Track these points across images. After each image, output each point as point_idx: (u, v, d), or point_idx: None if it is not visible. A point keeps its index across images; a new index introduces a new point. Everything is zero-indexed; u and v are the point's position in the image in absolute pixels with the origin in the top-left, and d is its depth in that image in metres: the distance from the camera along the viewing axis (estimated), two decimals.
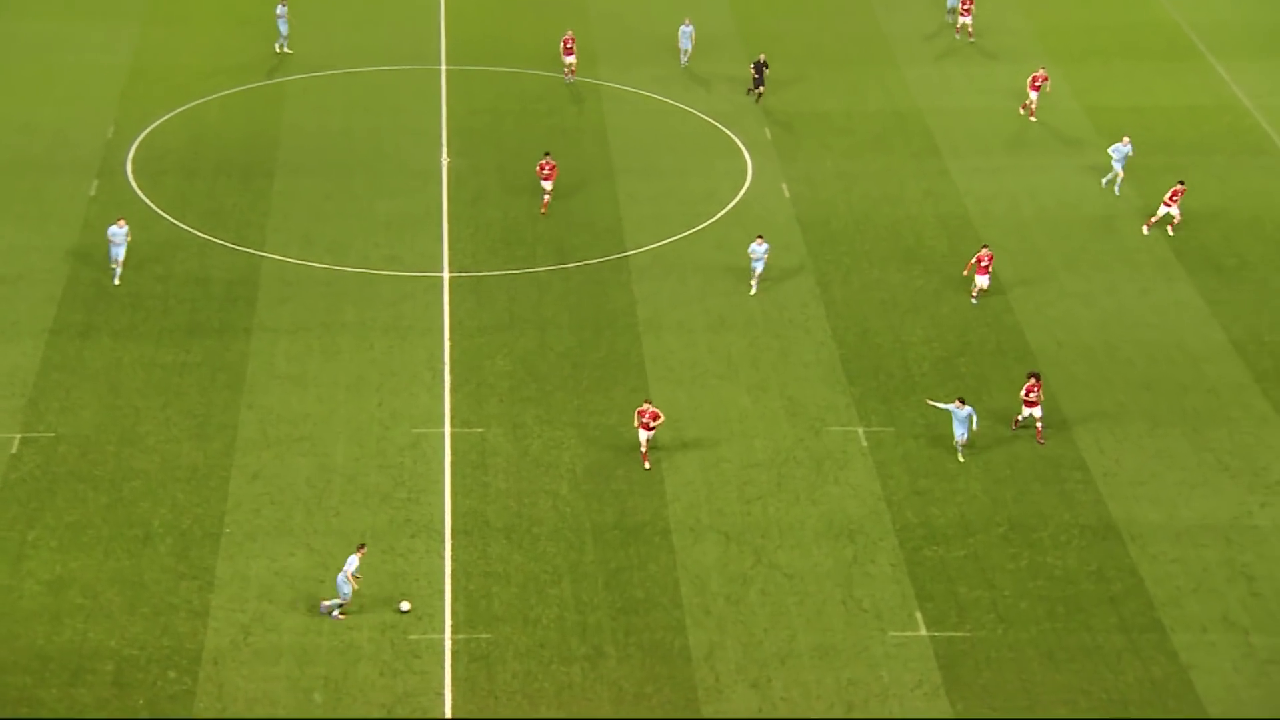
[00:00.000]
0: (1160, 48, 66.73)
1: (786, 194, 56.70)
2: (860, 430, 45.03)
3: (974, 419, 43.26)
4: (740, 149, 59.56)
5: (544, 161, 54.95)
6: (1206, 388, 46.65)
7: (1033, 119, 60.37)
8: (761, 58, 61.59)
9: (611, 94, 63.27)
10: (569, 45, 62.96)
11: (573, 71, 63.08)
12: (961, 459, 43.26)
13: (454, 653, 37.87)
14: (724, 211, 55.74)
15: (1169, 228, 53.38)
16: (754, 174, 57.98)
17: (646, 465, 43.11)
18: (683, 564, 40.44)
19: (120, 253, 50.32)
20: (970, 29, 66.58)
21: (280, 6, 64.99)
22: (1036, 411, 43.87)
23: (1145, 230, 53.29)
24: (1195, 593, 39.48)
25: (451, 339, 48.79)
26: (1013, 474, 43.30)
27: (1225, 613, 38.91)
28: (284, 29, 65.04)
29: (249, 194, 56.24)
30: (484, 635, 38.29)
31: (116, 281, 50.03)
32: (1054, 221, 54.85)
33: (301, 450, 44.04)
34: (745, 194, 56.76)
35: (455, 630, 38.46)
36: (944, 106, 62.20)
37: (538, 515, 42.04)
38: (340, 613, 38.61)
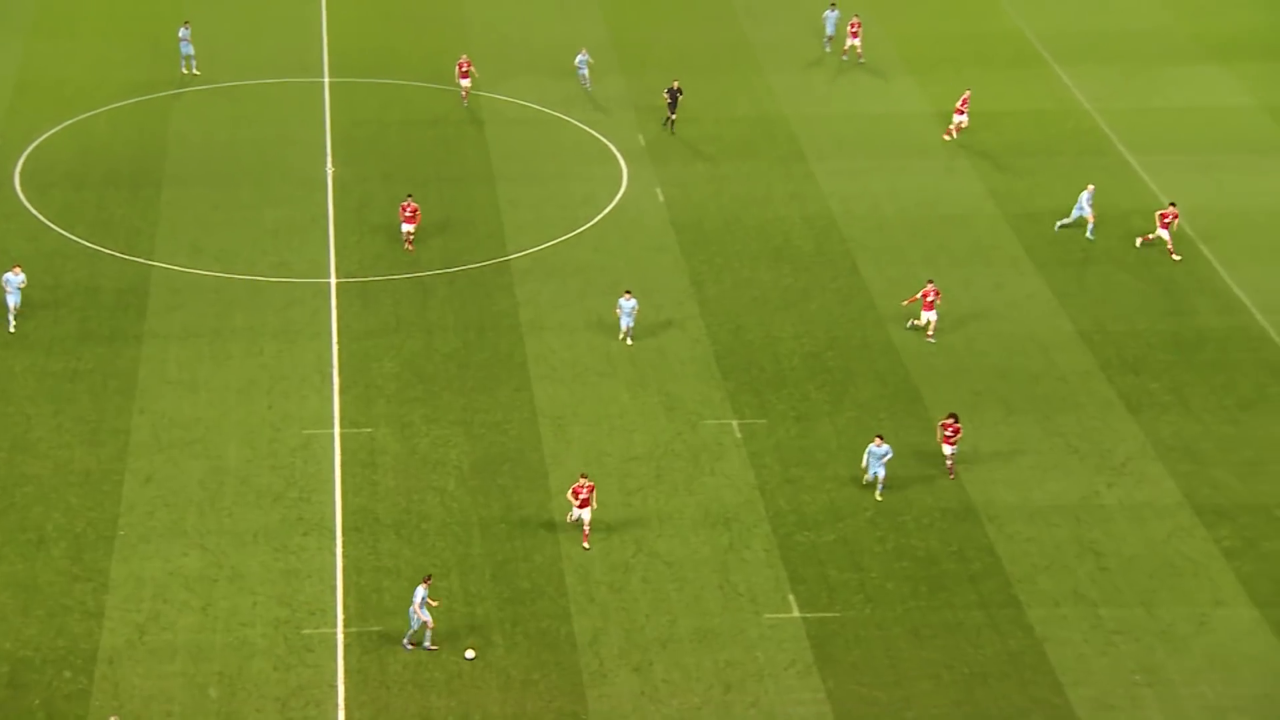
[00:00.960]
0: (1008, 56, 67.78)
1: (660, 197, 56.87)
2: (734, 423, 45.28)
3: (889, 456, 41.86)
4: (615, 155, 59.65)
5: (405, 204, 52.72)
6: (1056, 376, 47.48)
7: (955, 135, 59.77)
8: (675, 84, 60.50)
9: (490, 103, 63.06)
10: (464, 69, 62.37)
11: (468, 94, 62.33)
12: (879, 498, 42.15)
13: (346, 646, 37.55)
14: (601, 215, 55.79)
15: (1169, 251, 52.44)
16: (629, 179, 58.09)
17: (586, 545, 40.23)
18: (567, 555, 40.43)
19: (15, 300, 47.77)
20: (859, 50, 66.00)
21: (183, 29, 63.81)
22: (952, 450, 42.54)
23: (1138, 244, 52.66)
24: (1048, 569, 40.17)
25: (339, 342, 48.36)
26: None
27: (1076, 587, 39.63)
28: (187, 50, 63.68)
29: (137, 204, 55.33)
30: (375, 628, 38.01)
31: (12, 329, 47.71)
32: (913, 221, 55.52)
33: (194, 453, 43.42)
34: (621, 198, 56.85)
35: (347, 624, 38.13)
36: (807, 113, 62.70)
37: (426, 511, 41.81)
38: (410, 641, 37.22)
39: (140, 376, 46.33)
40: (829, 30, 66.89)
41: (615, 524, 41.49)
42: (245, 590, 39.01)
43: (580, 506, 40.09)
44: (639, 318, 48.37)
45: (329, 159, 58.89)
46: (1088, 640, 38.04)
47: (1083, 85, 64.71)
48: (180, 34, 63.67)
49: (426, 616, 36.97)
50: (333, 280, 51.54)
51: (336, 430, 44.52)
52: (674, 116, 60.30)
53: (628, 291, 48.41)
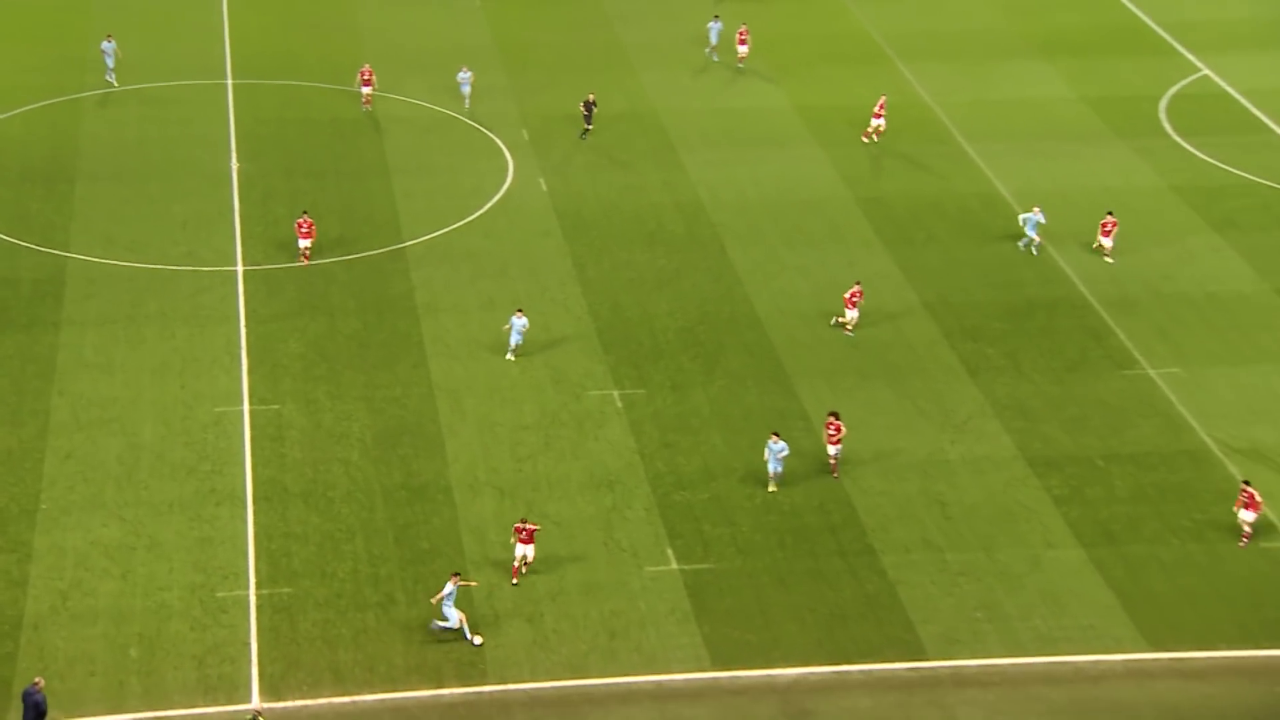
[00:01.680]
0: (856, 54, 68.19)
1: (544, 187, 56.54)
2: (616, 393, 45.21)
3: (786, 453, 40.70)
4: (501, 149, 59.17)
5: (301, 220, 49.98)
6: (905, 344, 47.95)
7: (875, 138, 58.46)
8: (590, 97, 59.51)
9: (384, 102, 62.21)
10: (366, 77, 60.89)
11: (369, 101, 61.01)
12: (773, 489, 40.70)
13: (259, 606, 36.98)
14: (490, 204, 55.35)
15: (1104, 257, 51.08)
16: (514, 171, 57.68)
17: (515, 581, 37.62)
18: (463, 518, 40.15)
19: None
20: (743, 56, 64.63)
21: (106, 42, 61.95)
22: (836, 450, 41.30)
23: (1110, 262, 50.80)
24: (900, 519, 40.61)
25: (247, 326, 47.51)
26: (747, 425, 43.91)
27: (924, 535, 40.11)
28: (110, 62, 61.80)
29: (53, 200, 53.87)
30: (285, 590, 37.48)
31: None
32: (774, 205, 55.72)
33: (111, 431, 42.43)
34: (508, 188, 56.44)
35: (259, 586, 37.56)
36: (676, 107, 62.65)
37: (332, 480, 41.27)
38: (442, 628, 35.83)
39: (59, 361, 45.15)
40: (713, 39, 66.08)
41: (508, 488, 41.27)
42: (162, 557, 38.26)
43: (524, 542, 37.66)
44: (527, 333, 46.31)
45: (234, 155, 57.76)
46: (935, 582, 38.54)
47: (923, 80, 65.30)
48: (104, 46, 61.78)
49: (453, 616, 35.67)
50: (239, 268, 50.59)
51: (246, 407, 43.75)
52: (590, 127, 59.31)
53: (519, 310, 46.38)
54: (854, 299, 47.80)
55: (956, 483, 41.86)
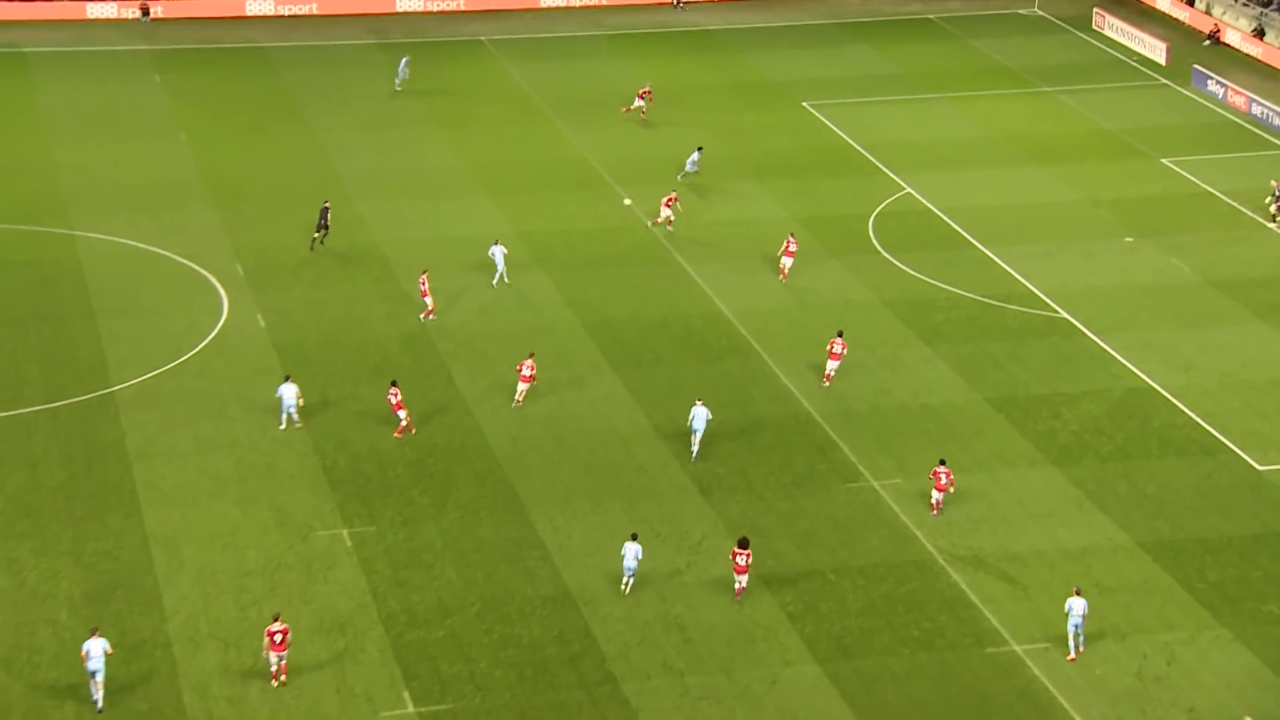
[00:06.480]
0: (574, 179, 69.34)
1: (262, 323, 55.36)
2: (345, 531, 44.17)
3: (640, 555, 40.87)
4: (214, 285, 57.79)
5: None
6: (636, 466, 48.34)
7: (783, 278, 58.87)
8: (326, 204, 59.41)
9: (86, 241, 60.16)
10: (424, 288, 55.49)
11: (431, 312, 55.96)
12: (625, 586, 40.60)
13: None
14: (204, 343, 53.85)
15: (825, 380, 51.88)
16: (230, 306, 56.35)
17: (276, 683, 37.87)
18: (184, 673, 38.36)
19: None
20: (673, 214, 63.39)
21: None
22: (744, 579, 41.35)
23: (826, 384, 51.65)
24: (639, 645, 40.50)
25: None
26: (482, 557, 43.45)
27: (664, 660, 40.08)
28: None
29: None
30: None
31: None
32: (500, 331, 55.80)
33: None
34: (223, 325, 55.06)
35: None
36: (397, 238, 62.42)
37: (37, 644, 38.91)
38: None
39: None
40: (688, 168, 66.45)
41: (231, 639, 39.67)
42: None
43: (277, 648, 37.91)
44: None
45: None
46: (677, 708, 38.46)
47: (642, 205, 66.63)
48: None
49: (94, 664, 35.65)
50: None
51: None
52: (321, 234, 59.35)
53: (289, 378, 48.17)
54: (528, 375, 49.94)
55: (694, 604, 42.08)
